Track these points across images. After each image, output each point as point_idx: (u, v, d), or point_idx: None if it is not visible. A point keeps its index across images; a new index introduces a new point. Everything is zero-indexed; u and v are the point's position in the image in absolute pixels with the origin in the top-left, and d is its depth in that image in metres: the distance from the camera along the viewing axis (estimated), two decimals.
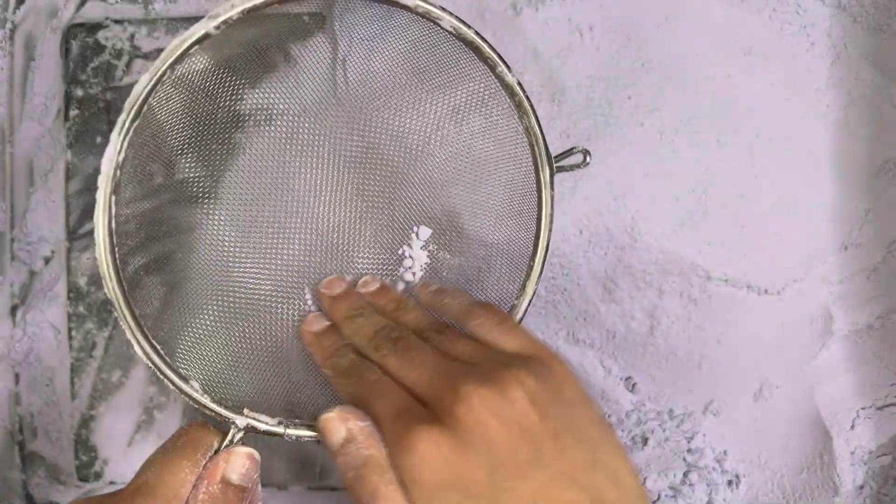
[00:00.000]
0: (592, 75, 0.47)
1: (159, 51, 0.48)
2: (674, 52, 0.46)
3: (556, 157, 0.37)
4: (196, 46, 0.32)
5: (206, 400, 0.33)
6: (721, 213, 0.46)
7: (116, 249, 0.32)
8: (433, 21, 0.34)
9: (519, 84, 0.35)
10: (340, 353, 0.34)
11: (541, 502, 0.27)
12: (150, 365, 0.33)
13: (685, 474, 0.47)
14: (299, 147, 0.38)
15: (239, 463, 0.31)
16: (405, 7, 0.33)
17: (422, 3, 0.33)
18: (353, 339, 0.35)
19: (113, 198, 0.31)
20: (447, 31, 0.34)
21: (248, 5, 0.32)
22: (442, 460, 0.27)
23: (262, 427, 0.34)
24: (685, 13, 0.46)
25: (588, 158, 0.37)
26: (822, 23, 0.46)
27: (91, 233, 0.49)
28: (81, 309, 0.49)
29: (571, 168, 0.37)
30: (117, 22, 0.49)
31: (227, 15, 0.32)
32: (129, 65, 0.49)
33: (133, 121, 0.31)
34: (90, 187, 0.48)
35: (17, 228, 0.50)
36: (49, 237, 0.49)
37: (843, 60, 0.46)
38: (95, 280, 0.49)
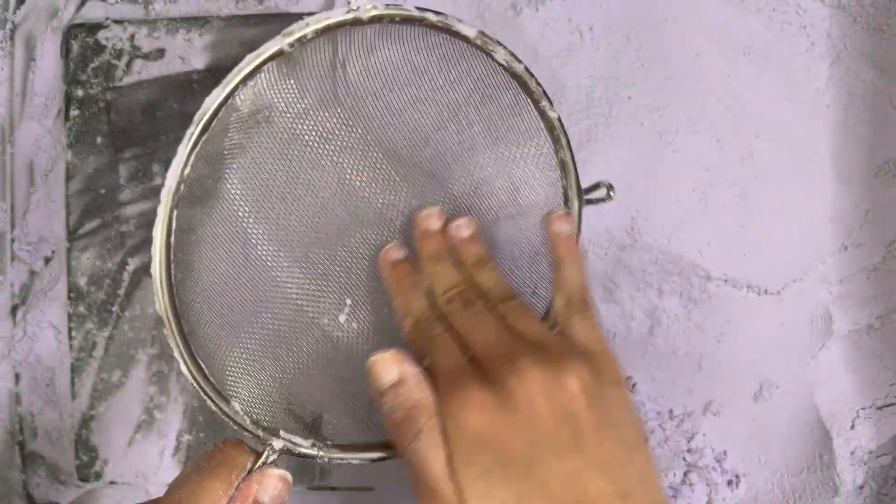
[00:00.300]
0: (592, 75, 0.47)
1: (160, 51, 0.49)
2: (673, 52, 0.46)
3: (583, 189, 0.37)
4: (270, 63, 0.32)
5: (245, 421, 0.33)
6: (721, 213, 0.46)
7: (173, 266, 0.31)
8: (487, 53, 0.34)
9: (559, 120, 0.36)
10: (413, 292, 0.35)
11: (571, 483, 0.28)
12: (195, 385, 0.32)
13: (685, 474, 0.47)
14: (300, 147, 0.38)
15: (272, 485, 0.31)
16: (465, 38, 0.34)
17: (481, 36, 0.34)
18: (429, 280, 0.35)
19: (175, 212, 0.31)
20: (500, 63, 0.34)
21: (322, 24, 0.32)
22: (487, 420, 0.29)
23: (298, 450, 0.34)
24: (685, 13, 0.46)
25: (612, 193, 0.37)
26: (821, 23, 0.46)
27: (91, 233, 0.49)
28: (81, 309, 0.49)
29: (596, 202, 0.38)
30: (117, 22, 0.49)
31: (302, 33, 0.32)
32: (129, 65, 0.49)
33: (202, 133, 0.31)
34: (90, 187, 0.48)
35: (17, 228, 0.50)
36: (49, 237, 0.49)
37: (843, 60, 0.46)
38: (95, 280, 0.49)
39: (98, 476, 0.49)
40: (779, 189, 0.46)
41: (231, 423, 0.33)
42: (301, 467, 0.48)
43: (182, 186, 0.31)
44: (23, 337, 0.50)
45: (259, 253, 0.38)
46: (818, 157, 0.46)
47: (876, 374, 0.46)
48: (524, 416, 0.29)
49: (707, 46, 0.46)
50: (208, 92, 0.34)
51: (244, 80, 0.32)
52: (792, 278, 0.46)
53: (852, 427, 0.46)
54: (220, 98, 0.32)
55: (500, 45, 0.34)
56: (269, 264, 0.37)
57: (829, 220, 0.46)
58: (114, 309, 0.49)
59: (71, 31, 0.49)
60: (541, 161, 0.37)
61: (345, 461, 0.35)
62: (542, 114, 0.36)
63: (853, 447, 0.46)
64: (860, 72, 0.46)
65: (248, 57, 0.32)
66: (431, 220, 0.37)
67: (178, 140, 0.33)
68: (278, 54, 0.32)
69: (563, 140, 0.36)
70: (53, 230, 0.49)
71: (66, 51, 0.49)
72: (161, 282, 0.31)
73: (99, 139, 0.49)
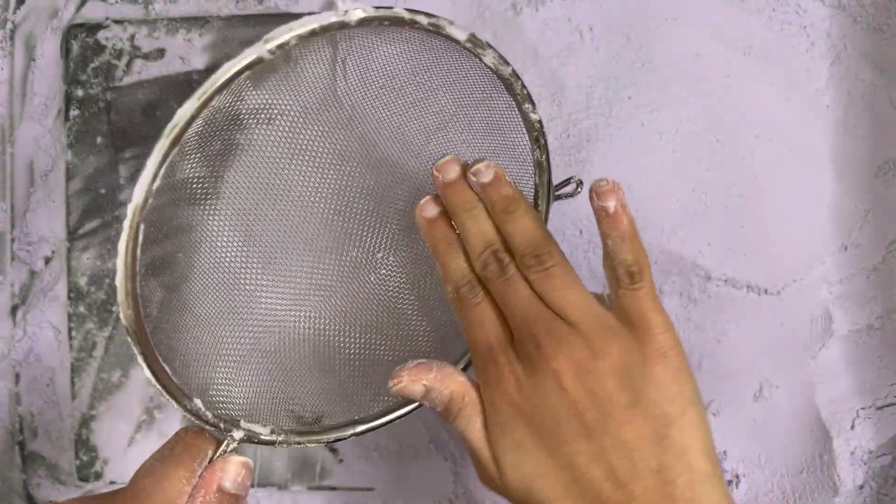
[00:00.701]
0: (592, 75, 0.47)
1: (160, 51, 0.49)
2: (674, 52, 0.46)
3: (555, 186, 0.38)
4: (247, 72, 0.30)
5: (208, 415, 0.33)
6: (721, 213, 0.46)
7: (138, 278, 0.31)
8: (476, 55, 0.34)
9: (539, 122, 0.36)
10: (451, 254, 0.34)
11: (597, 462, 0.30)
12: (157, 385, 0.33)
13: None
14: (300, 148, 0.38)
15: (234, 471, 0.32)
16: (455, 41, 0.33)
17: (472, 39, 0.33)
18: (462, 238, 0.34)
19: (141, 226, 0.30)
20: (487, 66, 0.34)
21: (307, 29, 0.30)
22: (518, 397, 0.31)
23: (258, 437, 0.35)
24: (685, 13, 0.46)
25: (580, 188, 0.38)
26: (821, 23, 0.46)
27: (91, 233, 0.49)
28: (81, 309, 0.49)
29: (566, 197, 0.39)
30: (117, 22, 0.49)
31: (283, 39, 0.30)
32: (129, 65, 0.49)
33: (172, 146, 0.30)
34: (90, 187, 0.48)
35: (17, 228, 0.50)
36: (49, 237, 0.49)
37: (843, 60, 0.46)
38: (95, 280, 0.49)
39: (98, 476, 0.49)
40: (779, 189, 0.46)
41: (194, 418, 0.33)
42: (301, 468, 0.49)
43: (150, 200, 0.30)
44: (23, 337, 0.50)
45: (256, 252, 0.38)
46: (818, 157, 0.46)
47: (876, 374, 0.46)
48: (552, 397, 0.30)
49: (707, 46, 0.46)
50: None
51: (220, 90, 0.30)
52: (792, 278, 0.46)
53: (852, 427, 0.46)
54: (193, 110, 0.30)
55: (490, 47, 0.34)
56: (266, 266, 0.38)
57: (829, 220, 0.46)
58: (114, 309, 0.49)
59: (71, 31, 0.49)
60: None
61: (302, 444, 0.36)
62: (525, 116, 0.36)
63: (853, 447, 0.46)
64: (860, 72, 0.46)
65: (226, 65, 0.29)
66: (447, 170, 0.34)
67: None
68: (258, 62, 0.30)
69: (542, 141, 0.37)
70: (53, 230, 0.49)
71: (66, 51, 0.49)
72: (126, 295, 0.31)
73: (99, 139, 0.49)
